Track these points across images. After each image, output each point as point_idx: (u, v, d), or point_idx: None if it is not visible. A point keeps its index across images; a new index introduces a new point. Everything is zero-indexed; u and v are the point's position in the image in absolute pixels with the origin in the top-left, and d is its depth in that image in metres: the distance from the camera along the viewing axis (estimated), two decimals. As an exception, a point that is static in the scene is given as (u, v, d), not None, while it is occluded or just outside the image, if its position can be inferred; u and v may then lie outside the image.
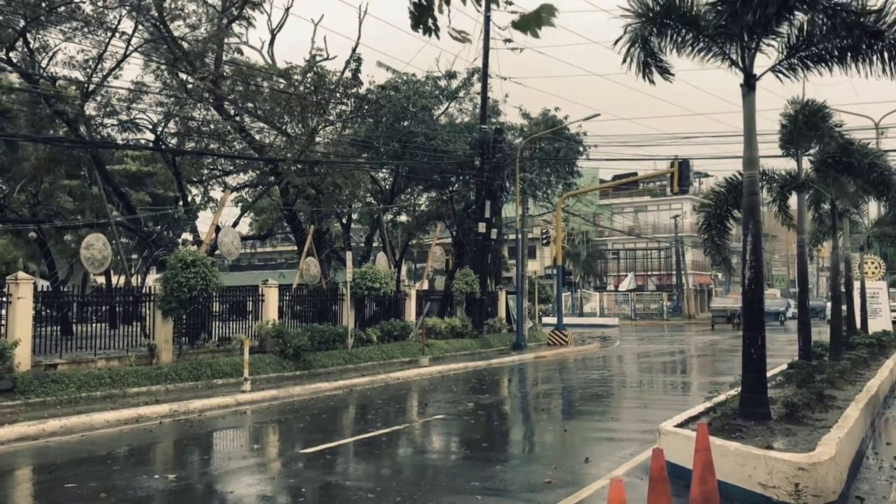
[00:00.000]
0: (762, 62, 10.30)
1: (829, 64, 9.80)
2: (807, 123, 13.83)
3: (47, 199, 27.11)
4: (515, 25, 5.03)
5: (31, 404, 12.76)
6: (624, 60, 10.08)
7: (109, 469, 9.04)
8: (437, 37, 4.90)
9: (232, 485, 8.23)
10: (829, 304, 16.65)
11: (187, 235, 24.83)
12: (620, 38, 9.98)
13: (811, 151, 15.01)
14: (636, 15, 9.75)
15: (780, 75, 10.11)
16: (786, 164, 16.65)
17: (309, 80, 23.64)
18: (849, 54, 9.49)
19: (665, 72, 10.22)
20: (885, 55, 9.18)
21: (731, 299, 48.43)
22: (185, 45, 21.46)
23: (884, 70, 9.25)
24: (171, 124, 24.79)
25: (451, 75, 29.46)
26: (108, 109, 22.78)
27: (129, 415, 12.23)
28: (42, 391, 13.14)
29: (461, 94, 30.42)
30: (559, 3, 4.74)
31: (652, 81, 10.24)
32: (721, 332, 41.44)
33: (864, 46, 9.20)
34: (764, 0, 8.45)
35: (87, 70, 21.31)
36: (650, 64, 10.10)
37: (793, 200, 15.90)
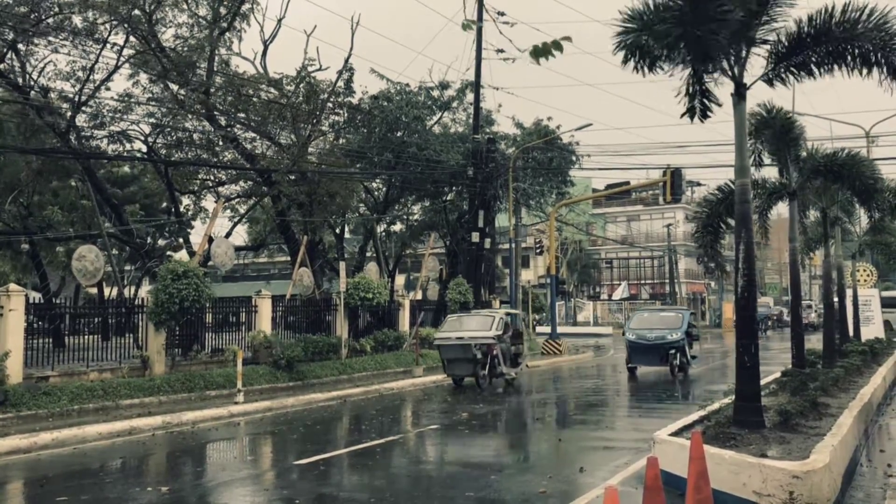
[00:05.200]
0: (757, 67, 10.41)
1: (817, 71, 9.96)
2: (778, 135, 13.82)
3: (38, 211, 26.99)
4: (532, 54, 5.54)
5: (23, 417, 12.67)
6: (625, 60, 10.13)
7: (102, 482, 8.97)
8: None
9: (225, 497, 8.18)
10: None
11: (183, 253, 24.72)
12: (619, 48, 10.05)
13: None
14: (626, 29, 9.81)
15: (769, 84, 10.20)
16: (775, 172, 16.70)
17: (301, 89, 23.65)
18: (832, 62, 9.71)
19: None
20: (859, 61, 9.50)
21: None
22: (176, 55, 21.41)
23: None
24: (163, 134, 24.71)
25: (443, 86, 29.51)
26: (98, 121, 22.70)
27: (121, 427, 12.17)
28: (34, 404, 13.05)
29: (454, 104, 30.46)
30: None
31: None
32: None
33: (847, 56, 9.43)
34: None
35: (78, 82, 21.23)
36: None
37: (784, 209, 15.97)
